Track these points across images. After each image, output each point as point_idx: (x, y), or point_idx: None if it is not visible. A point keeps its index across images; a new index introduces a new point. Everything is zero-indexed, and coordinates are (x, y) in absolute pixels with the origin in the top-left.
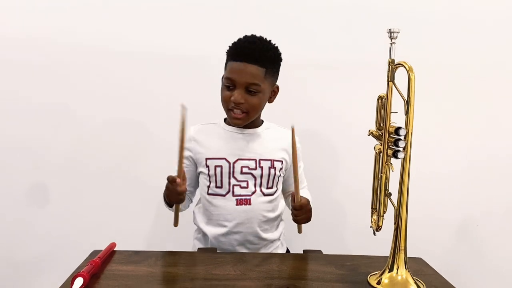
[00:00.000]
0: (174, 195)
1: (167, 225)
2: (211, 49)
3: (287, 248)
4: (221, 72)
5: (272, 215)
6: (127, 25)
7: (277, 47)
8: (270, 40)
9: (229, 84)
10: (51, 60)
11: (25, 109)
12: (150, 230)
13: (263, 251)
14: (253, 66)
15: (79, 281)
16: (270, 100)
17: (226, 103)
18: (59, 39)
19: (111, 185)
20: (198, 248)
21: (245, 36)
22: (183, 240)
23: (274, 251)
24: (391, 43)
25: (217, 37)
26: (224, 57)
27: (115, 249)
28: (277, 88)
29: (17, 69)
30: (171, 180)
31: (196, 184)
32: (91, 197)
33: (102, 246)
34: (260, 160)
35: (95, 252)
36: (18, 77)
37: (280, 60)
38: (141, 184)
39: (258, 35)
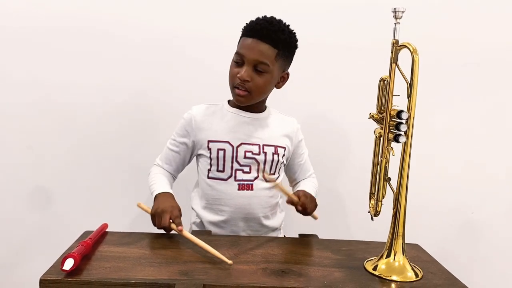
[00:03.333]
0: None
1: None
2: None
3: (283, 235)
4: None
5: (273, 201)
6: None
7: (294, 33)
8: (289, 25)
9: (238, 60)
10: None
11: (13, 94)
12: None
13: None
14: (265, 45)
15: (69, 262)
16: (278, 85)
17: (233, 79)
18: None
19: (104, 165)
20: (192, 231)
21: (265, 16)
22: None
23: None
24: (395, 23)
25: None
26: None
27: (107, 230)
28: (287, 74)
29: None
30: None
31: (180, 169)
32: (83, 177)
33: (94, 227)
34: (263, 145)
35: (87, 233)
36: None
37: (295, 46)
38: (136, 164)
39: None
